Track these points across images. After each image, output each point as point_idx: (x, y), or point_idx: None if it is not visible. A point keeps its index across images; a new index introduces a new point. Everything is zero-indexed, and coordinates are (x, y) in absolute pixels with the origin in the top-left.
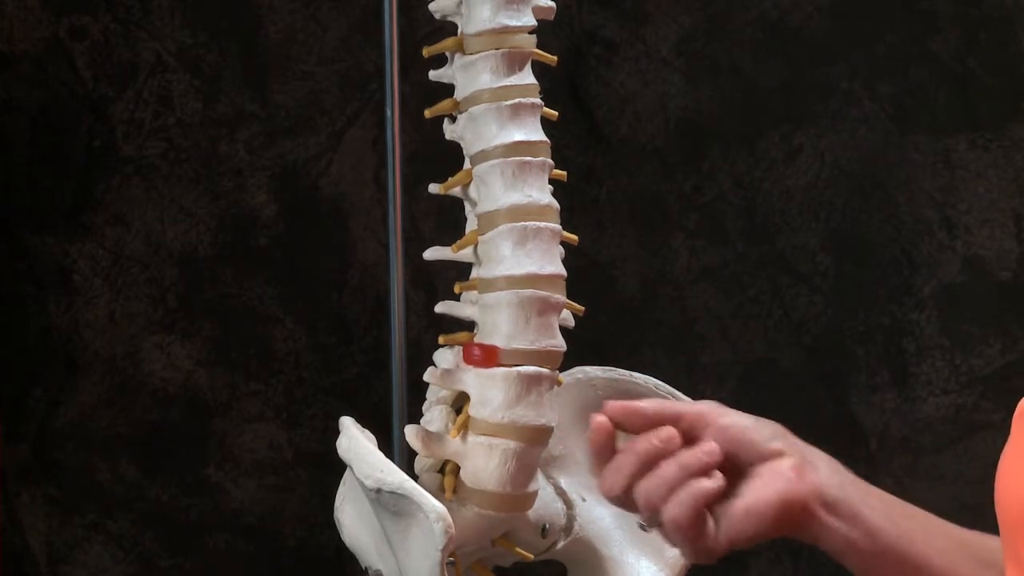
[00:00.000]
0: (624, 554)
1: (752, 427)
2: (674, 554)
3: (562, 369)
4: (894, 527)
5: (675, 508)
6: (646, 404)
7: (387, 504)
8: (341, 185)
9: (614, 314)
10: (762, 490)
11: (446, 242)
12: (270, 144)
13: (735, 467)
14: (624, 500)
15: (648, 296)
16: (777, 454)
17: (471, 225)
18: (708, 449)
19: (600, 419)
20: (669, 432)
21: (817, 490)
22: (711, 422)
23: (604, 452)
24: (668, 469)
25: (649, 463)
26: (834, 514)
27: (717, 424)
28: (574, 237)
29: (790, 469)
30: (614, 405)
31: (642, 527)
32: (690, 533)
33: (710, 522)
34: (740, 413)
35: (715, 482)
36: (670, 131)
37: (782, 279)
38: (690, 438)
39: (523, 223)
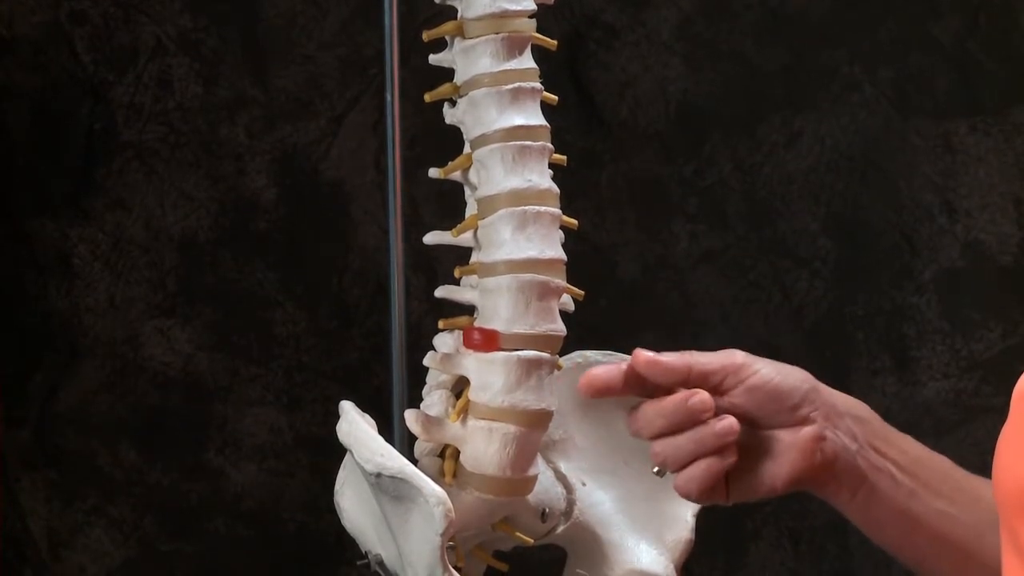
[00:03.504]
0: (624, 538)
1: (781, 390)
2: (674, 538)
3: (562, 353)
4: (901, 491)
5: (687, 478)
6: (674, 359)
7: (387, 488)
8: (341, 169)
9: (614, 298)
10: (775, 467)
11: (446, 226)
12: (270, 128)
13: (758, 422)
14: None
15: (648, 280)
16: (800, 422)
17: (471, 209)
18: (725, 429)
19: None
20: (703, 402)
21: (830, 464)
22: (740, 381)
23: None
24: (685, 442)
25: (676, 426)
26: (843, 485)
27: (746, 385)
28: (574, 222)
29: (809, 441)
30: (643, 356)
31: (656, 473)
32: (701, 497)
33: (722, 482)
34: (769, 365)
35: (728, 459)
36: (670, 115)
37: (782, 263)
38: (719, 392)
39: (523, 207)
